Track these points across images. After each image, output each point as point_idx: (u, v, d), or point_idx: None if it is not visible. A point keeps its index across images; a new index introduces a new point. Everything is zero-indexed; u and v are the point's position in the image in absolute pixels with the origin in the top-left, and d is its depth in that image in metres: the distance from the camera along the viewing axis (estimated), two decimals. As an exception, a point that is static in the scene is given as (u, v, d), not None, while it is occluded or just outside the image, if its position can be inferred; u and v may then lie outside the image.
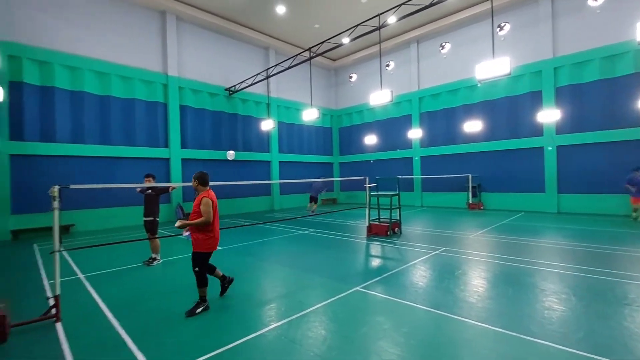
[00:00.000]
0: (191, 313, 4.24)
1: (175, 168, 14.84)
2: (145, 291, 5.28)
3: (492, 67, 8.56)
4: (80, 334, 3.77)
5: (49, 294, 5.19)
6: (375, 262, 6.78)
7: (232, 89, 16.96)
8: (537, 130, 14.56)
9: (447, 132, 17.61)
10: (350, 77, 22.00)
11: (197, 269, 4.42)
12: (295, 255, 7.47)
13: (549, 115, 12.93)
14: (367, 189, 9.20)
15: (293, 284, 5.43)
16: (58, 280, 4.22)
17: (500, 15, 15.19)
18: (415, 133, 18.05)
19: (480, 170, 16.28)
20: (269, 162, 19.13)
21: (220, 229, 4.76)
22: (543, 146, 14.34)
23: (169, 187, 7.41)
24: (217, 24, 16.08)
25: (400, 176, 9.93)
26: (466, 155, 16.88)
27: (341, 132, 23.52)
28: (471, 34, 16.52)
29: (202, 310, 4.32)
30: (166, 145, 14.81)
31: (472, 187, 16.01)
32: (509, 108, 15.46)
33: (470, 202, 15.83)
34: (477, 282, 5.26)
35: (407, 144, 19.26)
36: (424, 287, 5.03)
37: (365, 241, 8.69)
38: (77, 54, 12.36)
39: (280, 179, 18.93)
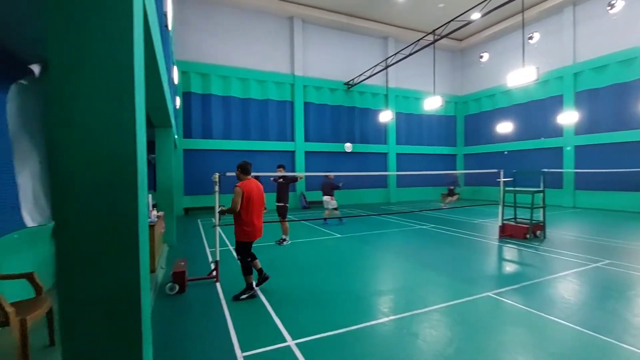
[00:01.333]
0: (236, 298, 4.35)
1: (300, 160, 16.27)
2: (277, 266, 6.01)
3: None
4: (232, 292, 4.58)
5: (210, 259, 6.49)
6: (511, 268, 5.92)
7: (351, 82, 17.37)
8: None
9: (617, 115, 13.72)
10: (481, 57, 19.48)
11: (238, 256, 4.48)
12: (415, 249, 7.21)
13: None
14: (502, 183, 8.06)
15: (413, 278, 5.26)
16: (217, 249, 5.24)
17: None
18: (567, 117, 14.68)
19: (672, 164, 12.14)
20: (385, 154, 18.93)
21: (335, 217, 4.93)
22: None
23: (297, 176, 8.19)
24: (337, 20, 16.67)
25: (545, 169, 8.29)
26: (647, 143, 12.85)
27: (467, 120, 21.24)
28: (663, -19, 12.32)
29: (247, 297, 4.36)
30: (292, 139, 16.38)
31: (657, 185, 12.11)
32: None
33: (652, 205, 12.03)
34: (666, 309, 3.99)
35: (555, 131, 15.94)
36: (579, 305, 4.12)
37: (497, 243, 7.67)
38: (226, 65, 14.85)
39: (397, 171, 18.52)
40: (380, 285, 5.05)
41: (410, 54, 14.37)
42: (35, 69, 1.61)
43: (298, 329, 3.51)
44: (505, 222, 8.13)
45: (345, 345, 3.19)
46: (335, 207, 10.34)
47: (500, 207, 8.08)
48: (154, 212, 6.12)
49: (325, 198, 10.31)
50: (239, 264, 4.51)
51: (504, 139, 18.38)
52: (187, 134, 14.20)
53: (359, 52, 17.98)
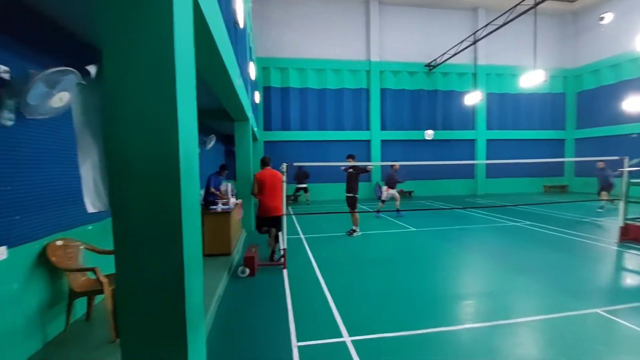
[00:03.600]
0: (270, 259, 5.58)
1: (375, 149, 15.82)
2: (345, 257, 5.94)
3: None
4: (297, 280, 4.70)
5: (281, 246, 6.76)
6: (633, 280, 4.71)
7: (433, 63, 16.02)
8: None
9: None
10: (601, 20, 15.82)
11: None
12: (503, 249, 6.31)
13: None
14: (626, 173, 6.43)
15: (499, 282, 4.59)
16: (285, 237, 5.41)
17: None
18: None
19: None
20: (473, 140, 17.09)
21: (406, 209, 4.57)
22: None
23: (368, 167, 7.95)
24: (418, -3, 15.47)
25: (695, 155, 6.30)
26: None
27: (580, 97, 17.64)
28: None
29: (275, 262, 5.46)
30: (367, 128, 15.98)
31: None
32: None
33: None
34: None
35: None
36: None
37: (616, 247, 6.20)
38: (303, 57, 15.17)
39: (487, 160, 16.58)
40: (457, 287, 4.54)
41: (505, 23, 12.47)
42: (92, 70, 1.77)
43: (356, 325, 3.36)
44: (628, 222, 6.50)
45: (405, 350, 2.93)
46: (388, 198, 9.92)
47: (621, 204, 6.48)
48: (233, 200, 6.62)
49: (384, 188, 9.97)
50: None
51: (634, 118, 14.73)
52: (267, 126, 15.07)
53: (441, 30, 16.40)
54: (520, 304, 3.87)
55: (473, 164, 17.01)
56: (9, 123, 2.51)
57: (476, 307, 3.80)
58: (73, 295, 3.03)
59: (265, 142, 14.96)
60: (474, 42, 14.39)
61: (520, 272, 4.93)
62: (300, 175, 13.76)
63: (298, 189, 13.90)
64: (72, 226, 3.40)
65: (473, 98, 14.95)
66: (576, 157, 17.57)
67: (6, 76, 2.47)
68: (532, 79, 11.79)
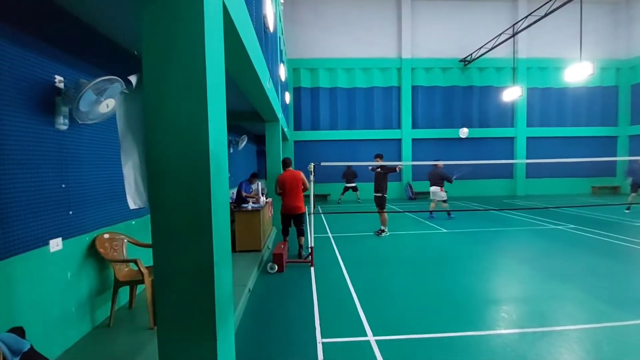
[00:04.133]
0: (299, 255, 5.73)
1: (406, 148, 15.51)
2: (372, 257, 5.93)
3: None
4: (323, 278, 4.79)
5: (311, 244, 6.87)
6: (693, 291, 4.28)
7: (468, 58, 15.40)
8: None
9: None
10: (661, 4, 14.40)
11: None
12: (542, 254, 5.98)
13: None
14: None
15: (534, 289, 4.38)
16: (312, 235, 5.50)
17: None
18: None
19: None
20: (512, 138, 16.22)
21: (438, 210, 4.46)
22: None
23: (396, 166, 7.85)
24: (452, -10, 14.94)
25: None
26: None
27: (636, 90, 16.12)
28: None
29: (304, 258, 5.59)
30: (398, 127, 15.71)
31: None
32: None
33: None
34: None
35: None
36: None
37: (673, 254, 5.66)
38: (332, 57, 15.21)
39: (527, 159, 15.66)
40: (488, 292, 4.39)
41: (547, 14, 11.71)
42: (133, 79, 1.95)
43: (381, 325, 3.37)
44: (690, 227, 5.90)
45: (430, 352, 2.90)
46: (444, 199, 9.47)
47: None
48: (263, 198, 6.83)
49: (433, 189, 9.51)
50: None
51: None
52: (297, 126, 15.29)
53: (477, 23, 15.68)
54: (555, 312, 3.67)
55: (512, 164, 16.15)
56: (64, 128, 2.81)
57: (507, 313, 3.66)
58: (117, 284, 3.31)
59: (295, 141, 15.20)
60: (514, 35, 13.62)
61: (559, 278, 4.65)
62: (348, 175, 13.75)
63: (346, 188, 13.94)
64: (117, 221, 3.71)
65: (512, 93, 14.18)
66: (631, 155, 16.08)
67: (61, 85, 2.77)
68: (578, 72, 10.98)
